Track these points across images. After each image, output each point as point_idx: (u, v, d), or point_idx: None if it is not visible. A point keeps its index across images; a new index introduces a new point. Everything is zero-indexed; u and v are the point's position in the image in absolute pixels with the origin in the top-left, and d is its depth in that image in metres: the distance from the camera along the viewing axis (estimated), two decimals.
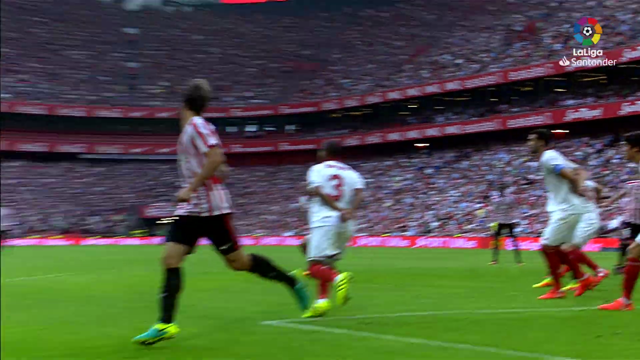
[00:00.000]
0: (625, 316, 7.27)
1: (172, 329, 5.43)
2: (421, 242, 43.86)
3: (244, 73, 74.54)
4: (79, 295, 10.53)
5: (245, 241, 49.11)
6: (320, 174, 7.74)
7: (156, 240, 50.36)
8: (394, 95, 62.00)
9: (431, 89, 59.62)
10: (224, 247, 5.63)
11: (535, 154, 9.06)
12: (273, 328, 6.63)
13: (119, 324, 6.05)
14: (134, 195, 63.26)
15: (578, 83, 51.58)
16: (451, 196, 50.47)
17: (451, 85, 58.00)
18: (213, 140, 5.49)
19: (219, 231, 5.59)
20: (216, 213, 5.54)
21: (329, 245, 7.62)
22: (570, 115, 49.75)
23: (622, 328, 6.36)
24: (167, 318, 5.43)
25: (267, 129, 70.51)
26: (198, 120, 5.61)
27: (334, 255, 7.77)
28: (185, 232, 5.56)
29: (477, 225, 43.83)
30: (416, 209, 50.79)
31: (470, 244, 40.79)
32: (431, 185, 54.00)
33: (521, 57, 55.13)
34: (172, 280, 5.47)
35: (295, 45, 78.28)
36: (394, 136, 61.45)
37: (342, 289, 7.22)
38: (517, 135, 47.41)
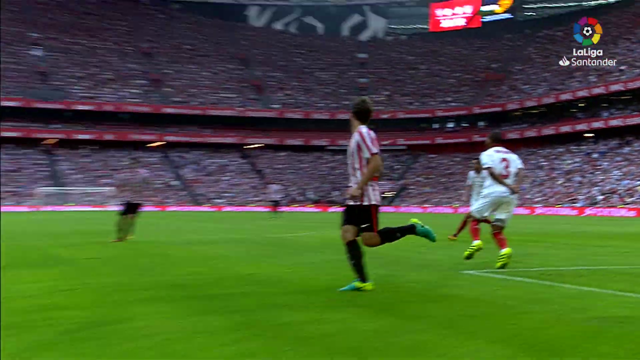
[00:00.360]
0: None
1: (367, 286, 5.25)
2: (588, 211, 40.58)
3: (445, 83, 73.01)
4: (320, 246, 10.85)
5: (445, 210, 48.68)
6: (491, 157, 7.43)
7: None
8: (565, 96, 57.77)
9: (597, 90, 54.84)
10: (363, 226, 5.35)
11: None
12: (472, 276, 6.42)
13: (346, 269, 6.10)
14: None
15: None
16: (614, 175, 46.20)
17: (615, 87, 53.00)
18: (374, 149, 5.30)
19: (366, 216, 5.34)
20: (366, 203, 5.34)
21: (487, 210, 7.38)
22: None
23: None
24: (362, 278, 5.28)
25: (463, 125, 68.62)
26: (364, 129, 5.42)
27: (491, 219, 7.38)
28: (352, 216, 5.38)
29: (637, 199, 39.77)
30: (584, 186, 47.07)
31: (631, 214, 37.11)
32: (597, 167, 49.73)
33: None
34: (353, 251, 5.31)
35: (485, 61, 75.29)
36: (565, 128, 57.24)
37: (469, 251, 7.10)
38: None
